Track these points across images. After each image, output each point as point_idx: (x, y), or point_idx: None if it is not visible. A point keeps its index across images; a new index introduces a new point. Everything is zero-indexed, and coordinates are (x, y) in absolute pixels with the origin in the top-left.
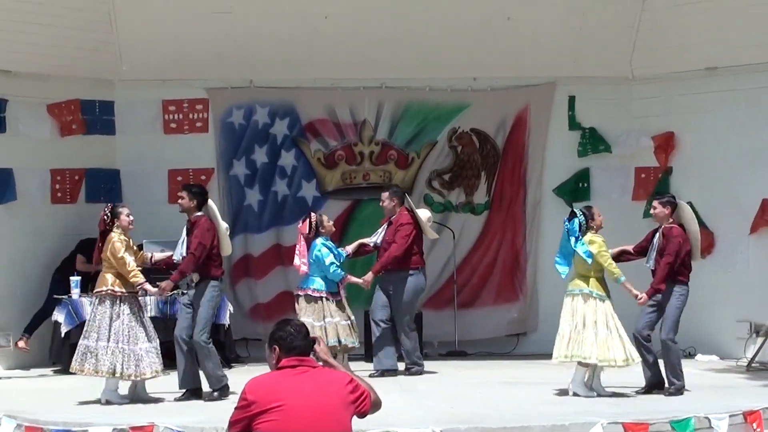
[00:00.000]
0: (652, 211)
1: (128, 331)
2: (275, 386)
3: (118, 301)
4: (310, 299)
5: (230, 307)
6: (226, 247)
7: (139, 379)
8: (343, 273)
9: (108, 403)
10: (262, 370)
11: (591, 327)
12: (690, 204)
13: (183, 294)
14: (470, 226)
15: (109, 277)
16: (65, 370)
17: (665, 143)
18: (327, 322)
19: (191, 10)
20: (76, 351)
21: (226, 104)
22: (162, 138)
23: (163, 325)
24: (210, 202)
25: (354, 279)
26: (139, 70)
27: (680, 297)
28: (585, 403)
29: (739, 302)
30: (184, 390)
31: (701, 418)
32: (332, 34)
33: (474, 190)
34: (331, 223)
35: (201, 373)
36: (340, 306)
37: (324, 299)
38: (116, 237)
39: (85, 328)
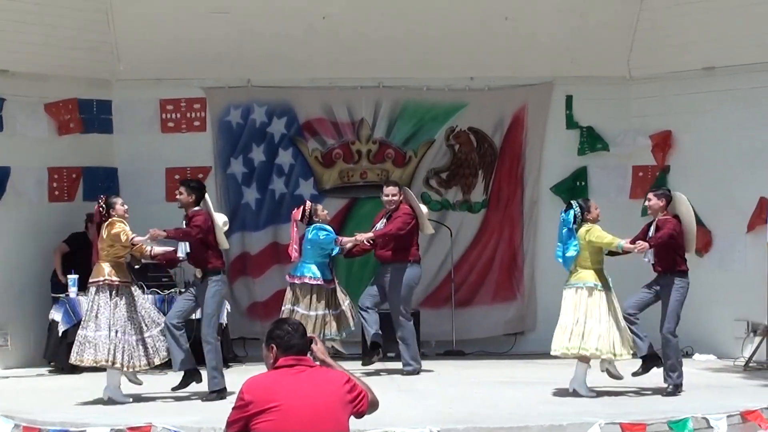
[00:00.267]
0: (647, 203)
1: (128, 321)
2: (273, 386)
3: (115, 291)
4: (305, 287)
5: (228, 306)
6: (223, 242)
7: (139, 369)
8: (334, 236)
9: (110, 400)
10: (259, 369)
11: (596, 320)
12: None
13: (181, 293)
14: (468, 224)
15: (106, 267)
16: (62, 369)
17: (662, 142)
18: (312, 314)
19: (189, 9)
20: (75, 342)
21: (223, 103)
22: (159, 137)
23: None
24: (206, 196)
25: (347, 238)
26: (136, 69)
27: (680, 289)
28: (583, 402)
29: (737, 301)
30: (182, 374)
31: (699, 418)
32: (330, 33)
33: (471, 189)
34: (326, 212)
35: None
36: (332, 295)
37: (317, 287)
38: (112, 220)
39: (83, 318)
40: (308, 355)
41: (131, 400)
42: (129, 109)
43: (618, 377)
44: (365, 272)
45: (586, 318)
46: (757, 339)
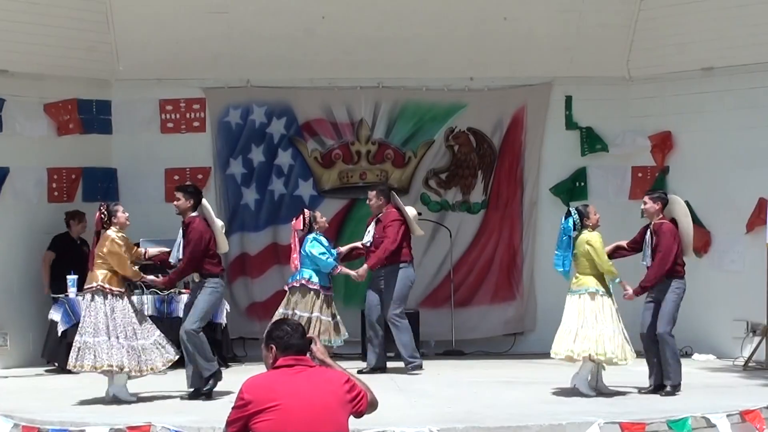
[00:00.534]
0: (642, 207)
1: (127, 327)
2: (272, 386)
3: (110, 297)
4: (304, 289)
5: (227, 306)
6: (223, 245)
7: (141, 374)
8: (334, 263)
9: (116, 399)
10: (259, 369)
11: (602, 323)
12: (686, 203)
13: (180, 293)
14: (467, 225)
15: (100, 274)
16: (62, 369)
17: (662, 143)
18: (314, 316)
19: (188, 9)
20: (73, 348)
21: (223, 104)
22: (159, 137)
23: (160, 324)
24: (204, 201)
25: (346, 270)
26: (135, 69)
27: (676, 290)
28: (582, 402)
29: (736, 301)
30: (192, 390)
31: (698, 417)
32: (329, 33)
33: (471, 190)
34: (325, 219)
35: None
36: (327, 302)
37: (315, 291)
38: (114, 235)
39: (80, 325)
40: (307, 355)
41: (135, 399)
42: (128, 109)
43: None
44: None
45: (591, 323)
46: (756, 339)
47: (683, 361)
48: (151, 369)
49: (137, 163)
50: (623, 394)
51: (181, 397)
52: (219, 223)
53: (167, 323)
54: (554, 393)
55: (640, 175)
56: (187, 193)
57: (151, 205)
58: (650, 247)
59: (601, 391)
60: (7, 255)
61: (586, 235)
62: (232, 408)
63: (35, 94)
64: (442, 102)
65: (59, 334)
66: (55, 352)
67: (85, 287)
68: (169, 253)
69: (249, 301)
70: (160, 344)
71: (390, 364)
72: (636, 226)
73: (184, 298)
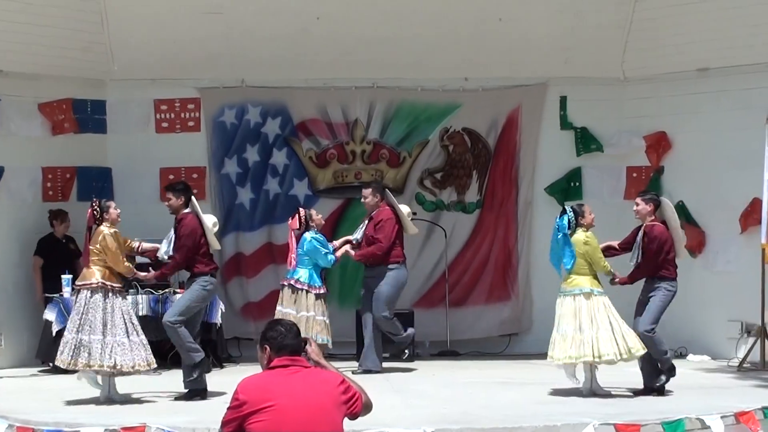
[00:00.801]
0: (634, 208)
1: (123, 325)
2: (267, 386)
3: (109, 294)
4: (294, 290)
5: (222, 306)
6: (213, 243)
7: (133, 372)
8: (333, 258)
9: (108, 400)
10: (254, 369)
11: (599, 325)
12: (681, 203)
13: (175, 293)
14: (462, 224)
15: (98, 270)
16: (56, 369)
17: (656, 143)
18: (300, 315)
19: (183, 9)
20: (65, 345)
21: (217, 104)
22: (154, 137)
23: (155, 324)
24: (193, 198)
25: (341, 250)
26: (130, 69)
27: (666, 292)
28: (577, 403)
29: (730, 302)
30: (187, 390)
31: (693, 419)
32: (324, 33)
33: (465, 189)
34: (320, 216)
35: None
36: (319, 301)
37: (305, 291)
38: (107, 230)
39: (76, 322)
40: (302, 355)
41: (123, 399)
42: (123, 109)
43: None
44: (359, 274)
45: (591, 324)
46: (751, 339)
47: (678, 361)
48: (147, 365)
49: (132, 163)
50: (618, 395)
51: (175, 398)
52: (212, 220)
53: (162, 323)
54: (549, 394)
55: (635, 175)
56: (177, 191)
57: (145, 204)
58: (639, 248)
59: (595, 392)
60: (1, 254)
61: (582, 235)
62: (227, 408)
63: (30, 94)
64: (437, 102)
65: (54, 334)
66: (49, 352)
67: (82, 283)
68: (156, 265)
69: (244, 301)
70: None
71: (385, 365)
72: (630, 227)
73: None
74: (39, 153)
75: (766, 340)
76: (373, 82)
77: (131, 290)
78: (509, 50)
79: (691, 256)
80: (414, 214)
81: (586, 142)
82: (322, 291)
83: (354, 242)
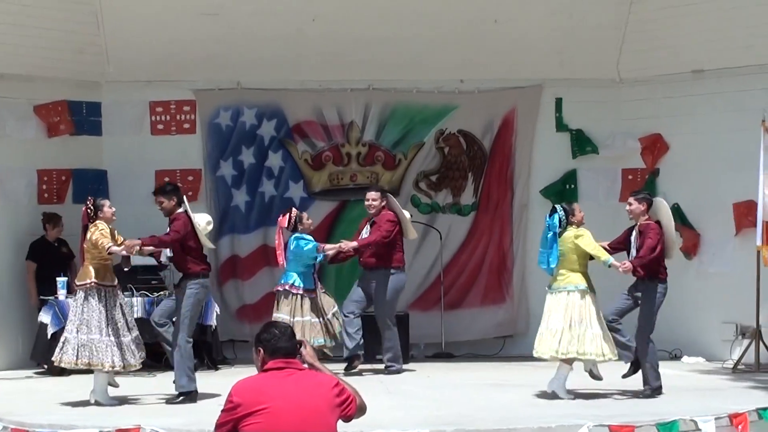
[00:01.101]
0: (627, 208)
1: (118, 322)
2: (262, 388)
3: (103, 294)
4: (288, 294)
5: (217, 309)
6: (206, 243)
7: (132, 369)
8: (315, 244)
9: (97, 404)
10: (248, 371)
11: (588, 323)
12: (676, 205)
13: (170, 296)
14: (457, 227)
15: (92, 270)
16: (51, 371)
17: (652, 145)
18: (296, 321)
19: (178, 11)
20: (67, 344)
21: (213, 105)
22: (149, 139)
23: (149, 326)
24: (184, 198)
25: (330, 246)
26: (125, 71)
27: (659, 295)
28: (571, 405)
29: (725, 304)
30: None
31: (687, 420)
32: (319, 35)
33: (461, 192)
34: (311, 221)
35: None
36: (314, 304)
37: (300, 296)
38: (95, 222)
39: (75, 322)
40: (297, 358)
41: (117, 403)
42: (118, 111)
43: (599, 378)
44: (353, 278)
45: (580, 321)
46: (746, 341)
47: (673, 363)
48: (137, 364)
49: (127, 165)
50: (612, 396)
51: (167, 401)
52: (205, 219)
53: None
54: (544, 396)
55: (630, 177)
56: (167, 192)
57: (141, 206)
58: (635, 247)
59: (597, 376)
60: None
61: (574, 230)
62: (222, 411)
63: (25, 96)
64: (433, 104)
65: (49, 336)
66: (44, 354)
67: (79, 283)
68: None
69: (239, 303)
70: (138, 341)
71: (379, 366)
72: (624, 229)
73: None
74: (34, 155)
75: (760, 342)
76: (368, 83)
77: (126, 292)
78: (505, 52)
79: (686, 257)
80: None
81: (581, 144)
82: (314, 294)
83: (353, 251)
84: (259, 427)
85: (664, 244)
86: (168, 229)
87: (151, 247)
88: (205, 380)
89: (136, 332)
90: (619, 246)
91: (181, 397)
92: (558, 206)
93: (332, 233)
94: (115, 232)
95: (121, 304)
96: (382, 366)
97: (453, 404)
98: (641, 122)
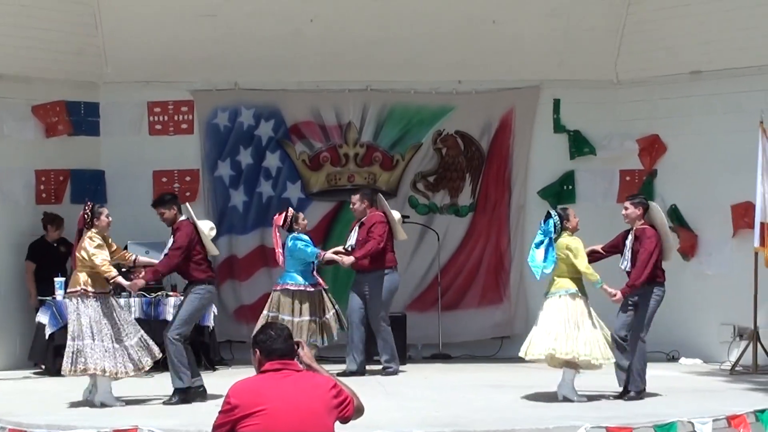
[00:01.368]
0: (623, 212)
1: (113, 327)
2: (259, 390)
3: (92, 301)
4: (287, 293)
5: (214, 309)
6: (211, 249)
7: (127, 375)
8: (316, 250)
9: (103, 405)
10: (246, 372)
11: (583, 326)
12: (674, 206)
13: (168, 296)
14: (455, 228)
15: (82, 276)
16: (48, 371)
17: (649, 146)
18: (290, 320)
19: (176, 12)
20: (66, 353)
21: (211, 106)
22: (147, 139)
23: (148, 327)
24: (187, 205)
25: (332, 255)
26: (124, 71)
27: (656, 298)
28: (568, 407)
29: (723, 305)
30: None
31: (685, 422)
32: (317, 36)
33: (458, 192)
34: (306, 222)
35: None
36: (312, 303)
37: (299, 293)
38: (89, 234)
39: (70, 330)
40: (295, 359)
41: (124, 403)
42: (116, 111)
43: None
44: (351, 278)
45: (573, 324)
46: (743, 343)
47: (670, 364)
48: (139, 369)
49: (125, 165)
50: (610, 398)
51: (164, 402)
52: (208, 225)
53: (154, 326)
54: (541, 397)
55: (627, 178)
56: (166, 202)
57: (139, 207)
58: (631, 251)
59: (567, 397)
60: None
61: (566, 239)
62: (219, 412)
63: (23, 96)
64: (431, 105)
65: (46, 336)
66: (42, 354)
67: (69, 290)
68: (155, 271)
69: (237, 303)
70: (143, 344)
71: (377, 367)
72: (623, 230)
73: (172, 300)
74: (32, 155)
75: (758, 344)
76: (366, 84)
77: (123, 293)
78: (503, 53)
79: (684, 259)
80: (407, 217)
81: (579, 145)
82: (311, 289)
83: (345, 249)
84: (257, 429)
85: (660, 247)
86: (170, 241)
87: (146, 263)
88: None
89: (137, 337)
90: (612, 250)
91: (175, 396)
92: (553, 212)
93: (329, 234)
94: (110, 239)
95: (115, 311)
96: (379, 367)
97: (450, 405)
98: (639, 123)
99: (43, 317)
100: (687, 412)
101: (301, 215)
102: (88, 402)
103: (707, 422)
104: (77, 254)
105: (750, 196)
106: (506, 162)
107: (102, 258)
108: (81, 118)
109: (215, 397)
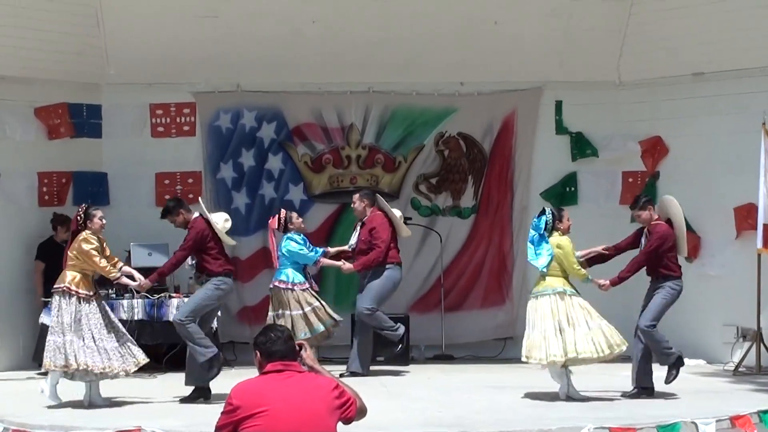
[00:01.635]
0: (637, 219)
1: (93, 329)
2: (261, 391)
3: (74, 299)
4: (278, 290)
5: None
6: (227, 240)
7: (106, 376)
8: (315, 256)
9: (91, 405)
10: (249, 373)
11: (576, 324)
12: None
13: (170, 297)
14: (457, 229)
15: (69, 275)
16: None
17: (652, 147)
18: (286, 314)
19: (178, 13)
20: (47, 348)
21: (213, 108)
22: (149, 141)
23: (150, 328)
24: (200, 200)
25: (330, 262)
26: (126, 73)
27: (670, 290)
28: (571, 407)
29: (726, 306)
30: (191, 389)
31: (688, 422)
32: (319, 38)
33: (461, 194)
34: (301, 220)
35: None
36: (300, 298)
37: (289, 290)
38: (85, 234)
39: (52, 325)
40: (297, 360)
41: (108, 404)
42: (119, 113)
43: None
44: (354, 276)
45: (567, 324)
46: (747, 344)
47: None
48: (122, 372)
49: (127, 167)
50: (613, 398)
51: (180, 400)
52: (222, 217)
53: (157, 327)
54: (543, 398)
55: (630, 180)
56: (171, 210)
57: (141, 209)
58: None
59: (572, 396)
60: None
61: (556, 238)
62: (221, 413)
63: (26, 98)
64: (433, 106)
65: None
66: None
67: (55, 286)
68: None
69: (240, 305)
70: (126, 349)
71: (380, 368)
72: (626, 231)
73: (175, 302)
74: (35, 157)
75: (761, 345)
76: (368, 86)
77: (127, 294)
78: (504, 54)
79: (687, 260)
80: (409, 219)
81: (581, 146)
82: (305, 287)
83: (349, 248)
84: (259, 430)
85: (673, 242)
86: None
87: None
88: None
89: (117, 341)
90: (627, 246)
91: (213, 368)
92: (548, 209)
93: (332, 236)
94: (105, 243)
95: (97, 314)
96: (381, 367)
97: (453, 406)
98: (641, 125)
99: (46, 318)
100: (690, 412)
101: (295, 215)
102: (90, 404)
103: (710, 423)
104: (69, 253)
105: (753, 197)
106: (508, 163)
107: (103, 261)
108: (83, 120)
109: (218, 397)
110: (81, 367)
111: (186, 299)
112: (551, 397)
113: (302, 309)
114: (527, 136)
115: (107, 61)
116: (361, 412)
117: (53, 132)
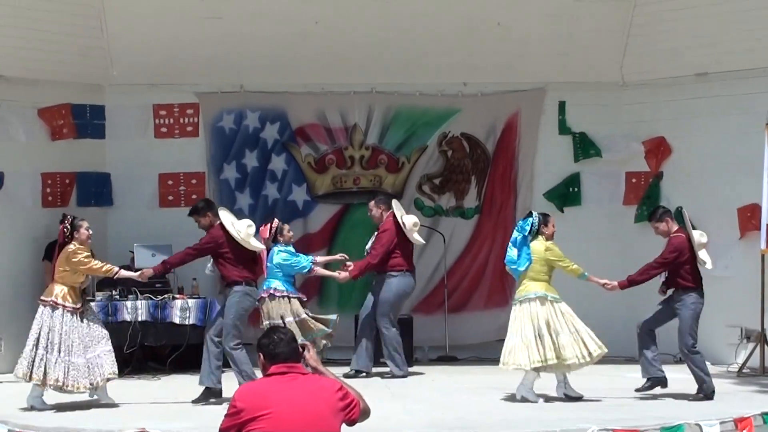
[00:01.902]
0: (654, 231)
1: (70, 345)
2: (265, 393)
3: (59, 312)
4: (273, 298)
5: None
6: (255, 245)
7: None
8: (308, 265)
9: (32, 408)
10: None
11: (559, 330)
12: (680, 208)
13: (174, 298)
14: (460, 230)
15: (57, 288)
16: None
17: (655, 148)
18: (287, 322)
19: (181, 15)
20: (24, 358)
21: (216, 109)
22: (152, 142)
23: (154, 329)
24: (220, 210)
25: (323, 271)
26: (129, 74)
27: (692, 306)
28: (574, 409)
29: (730, 307)
30: (203, 388)
31: (692, 424)
32: (322, 39)
33: (464, 195)
34: (291, 234)
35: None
36: (295, 305)
37: (287, 298)
38: (72, 247)
39: (31, 335)
40: (300, 362)
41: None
42: (122, 114)
43: (578, 397)
44: (357, 283)
45: (548, 330)
46: (751, 345)
47: (677, 367)
48: (78, 387)
49: (131, 168)
50: (617, 400)
51: (193, 401)
52: (245, 224)
53: (161, 328)
54: (547, 400)
55: (633, 180)
56: (199, 210)
57: (144, 210)
58: None
59: (569, 395)
60: (0, 260)
61: (543, 243)
62: (225, 415)
63: (29, 99)
64: (436, 107)
65: None
66: None
67: (42, 297)
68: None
69: None
70: (95, 363)
71: (384, 369)
72: (629, 231)
73: (179, 303)
74: (38, 158)
75: (765, 346)
76: (371, 87)
77: (130, 296)
78: (507, 55)
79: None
80: (424, 226)
81: (584, 147)
82: (297, 295)
83: (366, 252)
84: None
85: (690, 254)
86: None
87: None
88: None
89: (94, 353)
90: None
91: None
92: (535, 213)
93: (335, 237)
94: (92, 253)
95: (78, 328)
96: (386, 369)
97: (457, 407)
98: (645, 125)
99: None
100: (694, 414)
101: (286, 227)
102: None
103: (714, 424)
104: (58, 267)
105: (756, 198)
106: (512, 164)
107: (97, 262)
108: (86, 121)
109: (222, 399)
110: (50, 383)
111: (221, 317)
112: (555, 399)
113: (293, 318)
114: (530, 137)
115: (110, 62)
116: (365, 413)
117: (56, 133)
